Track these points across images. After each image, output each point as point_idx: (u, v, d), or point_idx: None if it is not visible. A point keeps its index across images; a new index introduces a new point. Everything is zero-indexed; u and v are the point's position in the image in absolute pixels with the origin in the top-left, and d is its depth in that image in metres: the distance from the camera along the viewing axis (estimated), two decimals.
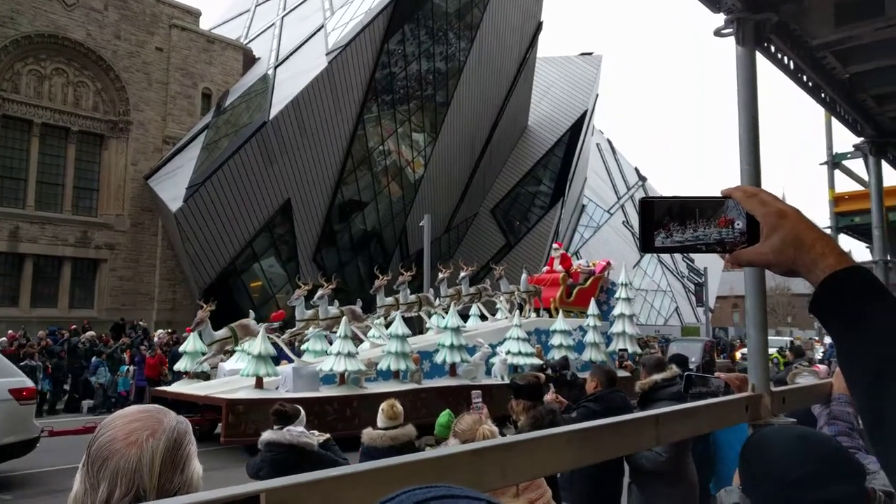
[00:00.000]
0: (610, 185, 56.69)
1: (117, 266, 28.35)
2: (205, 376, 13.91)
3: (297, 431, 4.64)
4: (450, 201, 39.32)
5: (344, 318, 13.58)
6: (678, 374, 4.73)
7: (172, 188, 27.49)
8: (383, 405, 4.83)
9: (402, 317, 14.90)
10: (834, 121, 4.36)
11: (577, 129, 44.92)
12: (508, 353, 15.51)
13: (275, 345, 13.80)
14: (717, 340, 32.58)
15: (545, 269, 22.05)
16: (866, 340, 0.80)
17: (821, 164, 6.31)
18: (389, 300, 16.79)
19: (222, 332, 13.65)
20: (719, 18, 2.23)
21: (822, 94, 2.94)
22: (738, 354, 24.07)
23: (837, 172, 6.73)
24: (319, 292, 14.41)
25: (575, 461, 1.38)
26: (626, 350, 18.13)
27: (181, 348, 14.81)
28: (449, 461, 1.06)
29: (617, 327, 18.75)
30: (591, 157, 51.28)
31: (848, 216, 6.30)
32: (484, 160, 41.49)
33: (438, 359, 14.65)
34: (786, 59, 2.53)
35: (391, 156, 34.96)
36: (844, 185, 6.80)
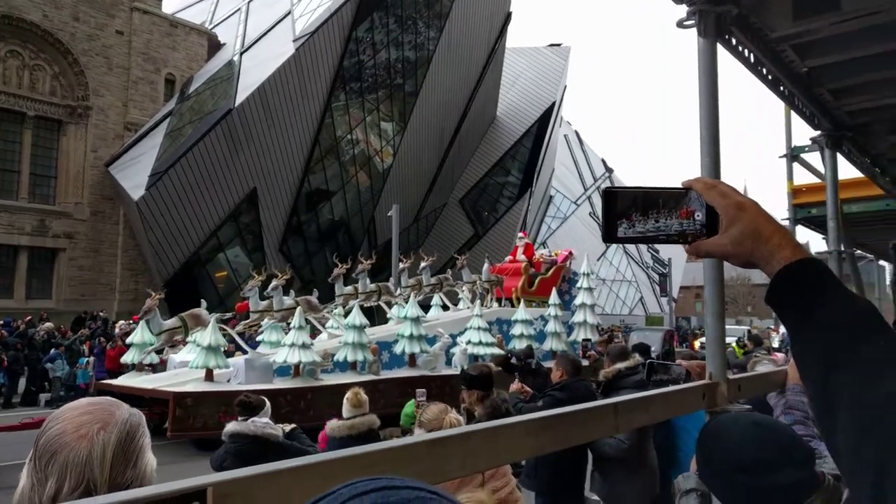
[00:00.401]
0: (577, 176, 57.19)
1: (76, 255, 27.63)
2: (161, 368, 13.51)
3: (261, 422, 4.60)
4: (418, 191, 39.22)
5: (298, 308, 13.34)
6: (641, 363, 4.80)
7: (134, 176, 26.85)
8: (348, 394, 4.80)
9: (362, 307, 14.71)
10: (793, 114, 4.45)
11: (545, 120, 45.17)
12: (469, 343, 15.44)
13: (229, 336, 13.60)
14: (676, 330, 33.33)
15: (508, 258, 21.91)
16: (817, 330, 0.82)
17: (780, 157, 6.45)
18: (348, 289, 16.54)
19: (171, 322, 13.25)
20: (682, 10, 2.25)
21: (782, 88, 2.99)
22: (696, 344, 24.29)
23: (797, 165, 6.90)
24: (273, 283, 14.11)
25: (535, 449, 1.39)
26: (589, 340, 18.33)
27: (129, 339, 14.22)
28: (407, 451, 1.05)
29: (578, 317, 18.82)
30: (558, 149, 51.63)
31: (805, 208, 6.46)
32: (453, 150, 41.46)
33: (398, 349, 14.51)
34: (746, 51, 2.56)
35: (359, 145, 34.69)
36: (804, 177, 6.98)
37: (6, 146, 26.54)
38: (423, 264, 18.30)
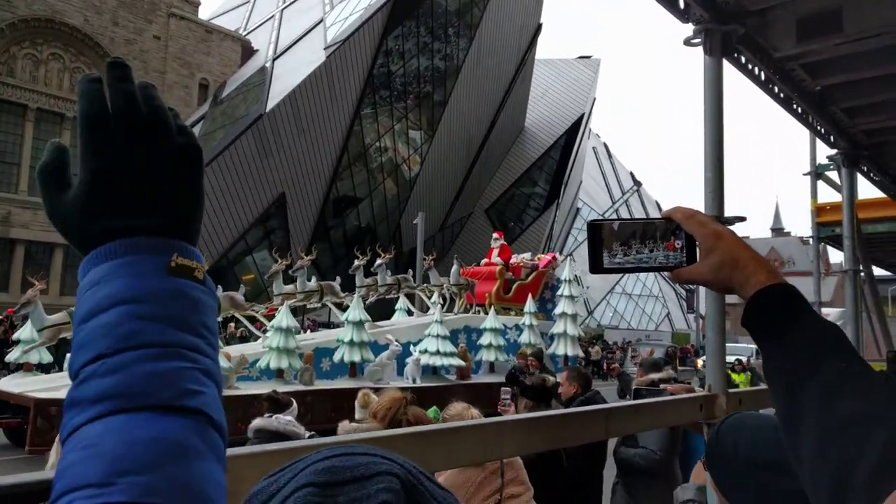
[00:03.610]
0: (605, 188, 56.84)
1: None
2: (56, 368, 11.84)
3: (285, 419, 4.66)
4: (445, 200, 39.35)
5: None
6: (674, 377, 4.75)
7: None
8: (358, 395, 4.85)
9: (291, 307, 13.33)
10: None
11: (573, 131, 45.03)
12: (425, 352, 13.81)
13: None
14: (675, 347, 32.15)
15: (483, 261, 19.76)
16: (784, 351, 0.87)
17: (804, 175, 6.40)
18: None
19: (57, 317, 11.48)
20: (689, 28, 2.29)
21: (795, 106, 3.01)
22: (699, 362, 22.10)
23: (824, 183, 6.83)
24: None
25: (521, 447, 1.44)
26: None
27: (15, 335, 12.36)
28: (387, 443, 1.11)
29: (558, 328, 16.69)
30: (586, 161, 51.41)
31: (829, 226, 6.39)
32: (480, 160, 41.54)
33: (336, 357, 13.02)
34: (756, 69, 2.60)
35: (387, 153, 34.97)
36: (830, 195, 6.89)
37: (46, 146, 27.29)
38: (378, 262, 16.18)
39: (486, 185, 43.90)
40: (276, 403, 4.85)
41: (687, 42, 2.31)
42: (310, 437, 4.78)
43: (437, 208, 37.64)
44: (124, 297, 0.55)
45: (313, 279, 15.17)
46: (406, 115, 35.31)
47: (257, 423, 4.64)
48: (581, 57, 50.53)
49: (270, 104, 27.84)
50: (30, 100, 26.66)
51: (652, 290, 57.10)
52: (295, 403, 4.97)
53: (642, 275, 55.22)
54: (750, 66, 2.55)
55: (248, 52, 33.55)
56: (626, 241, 1.06)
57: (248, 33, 35.20)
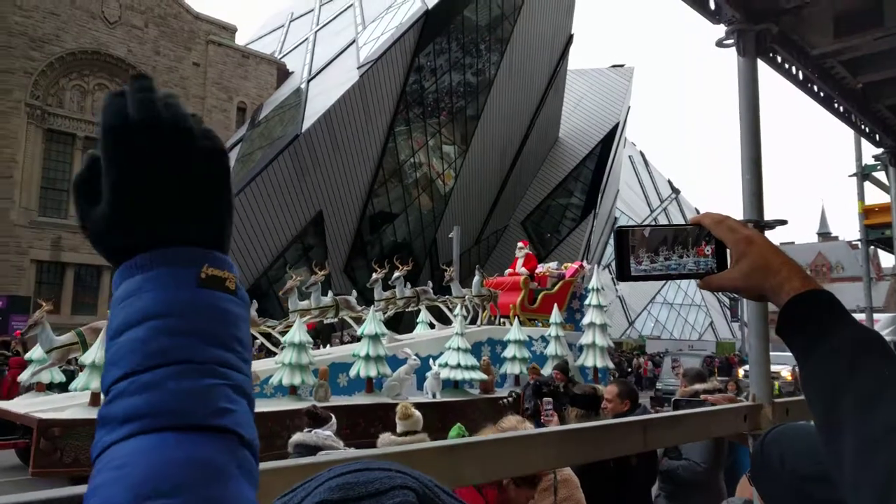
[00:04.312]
0: (643, 197, 56.13)
1: None
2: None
3: (324, 434, 4.69)
4: (480, 213, 39.36)
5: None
6: (719, 388, 4.64)
7: None
8: (398, 408, 4.86)
9: (320, 321, 13.05)
10: None
11: (608, 141, 44.67)
12: (446, 365, 13.39)
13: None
14: (713, 357, 30.60)
15: (508, 271, 19.27)
16: (821, 358, 0.84)
17: (850, 176, 6.20)
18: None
19: (66, 338, 11.51)
20: (720, 30, 2.24)
21: (836, 105, 2.91)
22: (740, 372, 21.02)
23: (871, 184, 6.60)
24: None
25: (555, 461, 1.41)
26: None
27: (27, 355, 12.31)
28: (418, 457, 1.09)
29: (586, 338, 16.04)
30: (623, 170, 50.89)
31: (878, 229, 6.16)
32: (514, 172, 41.48)
33: (352, 372, 12.61)
34: (793, 69, 2.52)
35: (422, 168, 35.20)
36: (878, 196, 6.66)
37: None
38: (396, 274, 15.69)
39: (522, 197, 43.79)
40: (315, 418, 4.89)
41: (719, 43, 2.26)
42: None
43: (472, 222, 37.67)
44: (154, 312, 0.53)
45: (329, 294, 15.03)
46: (439, 130, 35.53)
47: (297, 437, 4.69)
48: (614, 66, 50.21)
49: (306, 124, 28.34)
50: (77, 129, 27.69)
51: (694, 299, 55.96)
52: (334, 418, 5.00)
53: (683, 284, 54.20)
54: (787, 66, 2.48)
55: (283, 74, 34.29)
56: (654, 248, 1.03)
57: (284, 56, 35.99)
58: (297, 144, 27.94)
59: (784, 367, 16.83)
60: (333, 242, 31.04)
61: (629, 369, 26.72)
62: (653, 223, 1.09)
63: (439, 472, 1.10)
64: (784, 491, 1.38)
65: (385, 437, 4.66)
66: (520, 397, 12.45)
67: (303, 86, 31.81)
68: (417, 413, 4.78)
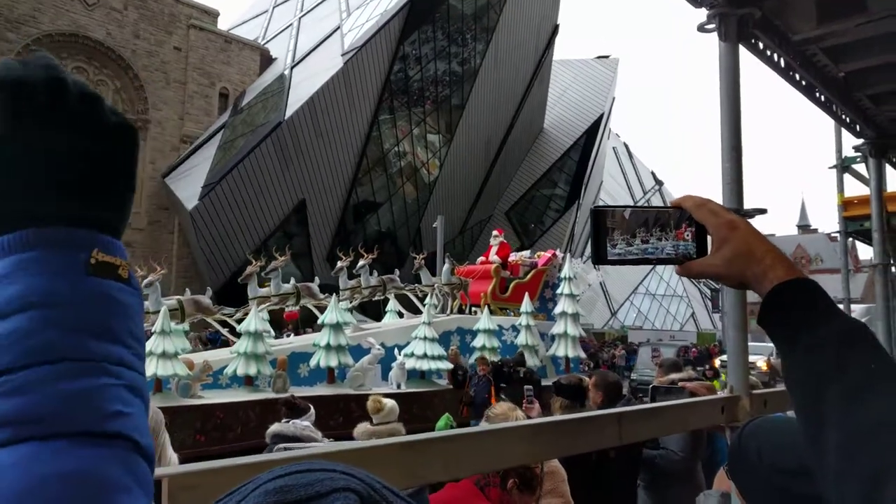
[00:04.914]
0: (626, 188, 56.39)
1: (133, 263, 28.53)
2: None
3: (302, 425, 4.66)
4: (464, 203, 39.31)
5: (163, 309, 11.15)
6: (695, 377, 4.63)
7: (189, 186, 27.75)
8: (368, 403, 4.84)
9: (266, 310, 12.73)
10: None
11: (592, 132, 44.75)
12: (412, 355, 13.04)
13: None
14: (688, 346, 30.48)
15: (480, 259, 18.88)
16: (806, 350, 0.80)
17: (829, 168, 6.22)
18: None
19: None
20: (702, 14, 2.20)
21: (817, 94, 2.88)
22: (717, 361, 20.71)
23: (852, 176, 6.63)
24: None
25: (527, 456, 1.36)
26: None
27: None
28: (376, 453, 1.03)
29: (558, 328, 15.76)
30: (607, 161, 51.04)
31: (857, 220, 6.19)
32: (499, 162, 41.45)
33: (312, 362, 12.19)
34: (775, 56, 2.48)
35: (406, 157, 35.04)
36: (858, 189, 6.69)
37: None
38: (361, 262, 15.21)
39: (506, 187, 43.79)
40: (293, 408, 4.84)
41: (701, 28, 2.21)
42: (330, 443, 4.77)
43: (456, 211, 37.62)
44: (34, 301, 0.45)
45: (292, 281, 14.55)
46: (424, 119, 35.36)
47: (274, 428, 4.64)
48: (599, 57, 50.25)
49: (289, 112, 28.05)
50: None
51: (676, 289, 56.44)
52: (312, 409, 4.95)
53: (665, 274, 54.66)
54: (768, 53, 2.44)
55: (266, 60, 33.87)
56: (632, 230, 0.97)
57: (267, 42, 35.54)
58: (279, 132, 27.65)
59: (760, 357, 16.92)
60: (316, 231, 30.83)
61: (602, 359, 26.53)
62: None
63: (399, 469, 1.05)
64: (761, 484, 1.34)
65: (361, 427, 4.62)
66: (464, 383, 12.22)
67: (286, 72, 31.44)
68: (389, 402, 4.74)
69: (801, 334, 0.81)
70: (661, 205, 1.00)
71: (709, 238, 0.95)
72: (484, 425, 2.37)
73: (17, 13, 25.67)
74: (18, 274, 0.47)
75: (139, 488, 0.45)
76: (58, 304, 0.46)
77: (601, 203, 51.89)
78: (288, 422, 4.67)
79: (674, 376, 4.59)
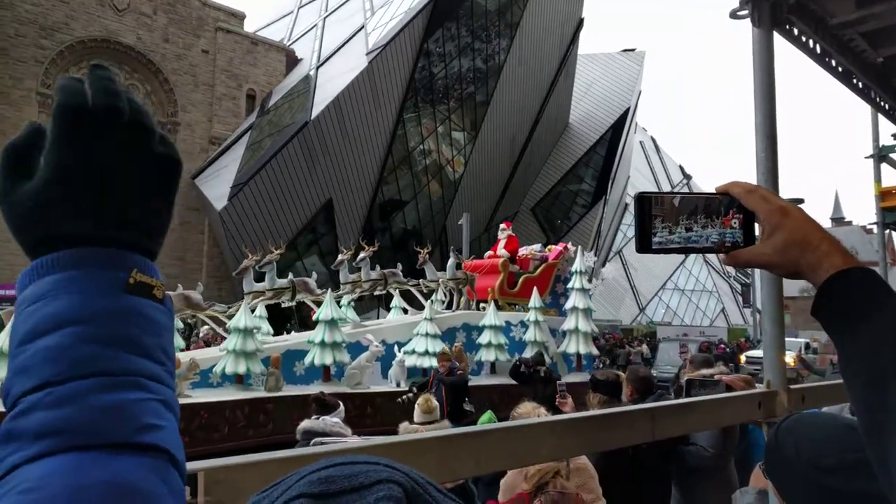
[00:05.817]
0: (654, 183, 55.68)
1: (163, 263, 29.08)
2: None
3: (331, 421, 4.70)
4: (490, 200, 39.21)
5: None
6: (728, 372, 4.57)
7: (218, 187, 28.14)
8: (419, 400, 4.90)
9: (266, 305, 12.20)
10: None
11: (619, 126, 44.28)
12: (412, 352, 12.59)
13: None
14: (710, 342, 29.53)
15: (488, 253, 18.20)
16: (868, 340, 0.77)
17: (866, 158, 6.05)
18: (258, 286, 14.01)
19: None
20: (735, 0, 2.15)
21: (855, 80, 2.80)
22: (742, 358, 20.24)
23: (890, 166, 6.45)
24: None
25: (558, 452, 1.34)
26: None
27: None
28: (411, 449, 1.03)
29: (569, 324, 15.26)
30: (634, 155, 50.48)
31: (895, 212, 6.02)
32: (524, 158, 41.25)
33: (307, 360, 11.71)
34: (810, 42, 2.42)
35: (431, 155, 35.07)
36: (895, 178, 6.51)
37: None
38: (361, 255, 14.81)
39: (532, 183, 43.56)
40: (323, 405, 4.88)
41: (733, 14, 2.16)
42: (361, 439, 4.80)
43: (482, 208, 37.54)
44: (75, 317, 0.47)
45: (290, 275, 14.26)
46: (449, 116, 35.33)
47: (305, 424, 4.69)
48: (625, 50, 49.67)
49: (315, 111, 28.26)
50: None
51: (706, 284, 55.61)
52: (342, 406, 4.99)
53: (695, 270, 53.89)
54: (804, 38, 2.37)
55: (292, 61, 34.16)
56: (677, 218, 0.95)
57: (293, 43, 35.84)
58: (306, 132, 27.87)
59: (788, 353, 16.64)
60: (343, 230, 31.03)
61: (618, 356, 25.32)
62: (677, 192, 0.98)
63: (437, 463, 1.04)
64: (799, 481, 1.31)
65: (403, 426, 4.66)
66: (424, 389, 11.63)
67: (312, 73, 31.69)
68: (436, 404, 4.80)
69: (862, 324, 0.77)
70: (708, 192, 0.96)
71: (756, 226, 0.92)
72: (517, 420, 2.35)
73: (50, 20, 26.27)
74: (61, 292, 0.49)
75: (173, 497, 0.46)
76: (98, 320, 0.48)
77: (628, 198, 51.40)
78: (318, 418, 4.72)
79: (705, 372, 4.50)
